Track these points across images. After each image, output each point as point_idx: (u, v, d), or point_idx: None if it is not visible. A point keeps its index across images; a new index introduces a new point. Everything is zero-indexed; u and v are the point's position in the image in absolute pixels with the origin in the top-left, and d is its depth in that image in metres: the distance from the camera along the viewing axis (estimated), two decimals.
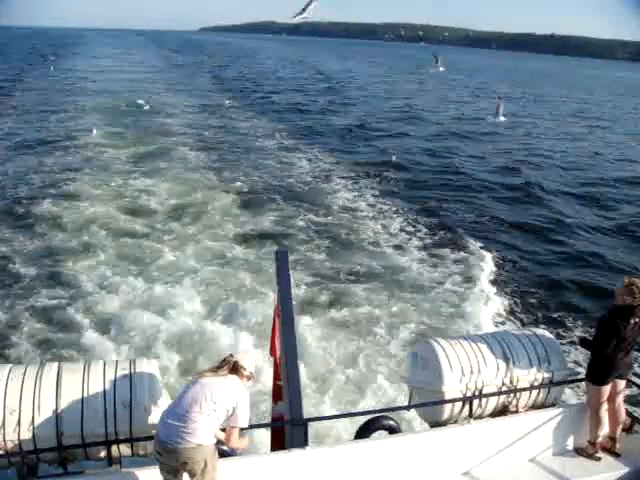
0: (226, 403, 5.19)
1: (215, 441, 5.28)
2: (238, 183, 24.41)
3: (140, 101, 31.28)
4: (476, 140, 38.36)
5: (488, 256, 18.08)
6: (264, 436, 6.88)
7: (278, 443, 6.47)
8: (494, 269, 17.36)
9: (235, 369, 5.35)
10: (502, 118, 45.85)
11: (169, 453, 5.11)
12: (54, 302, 14.05)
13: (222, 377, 5.29)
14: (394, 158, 29.83)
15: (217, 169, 26.35)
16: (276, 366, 6.81)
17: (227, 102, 43.94)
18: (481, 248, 18.77)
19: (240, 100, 46.84)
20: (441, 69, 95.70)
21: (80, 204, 20.81)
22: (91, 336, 12.44)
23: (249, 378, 5.47)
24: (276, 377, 6.82)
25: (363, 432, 6.85)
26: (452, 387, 6.52)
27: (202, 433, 5.11)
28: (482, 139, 39.02)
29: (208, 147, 30.73)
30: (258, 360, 8.79)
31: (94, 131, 31.06)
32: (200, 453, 5.12)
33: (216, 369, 5.36)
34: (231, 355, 5.46)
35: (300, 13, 69.40)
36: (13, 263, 16.10)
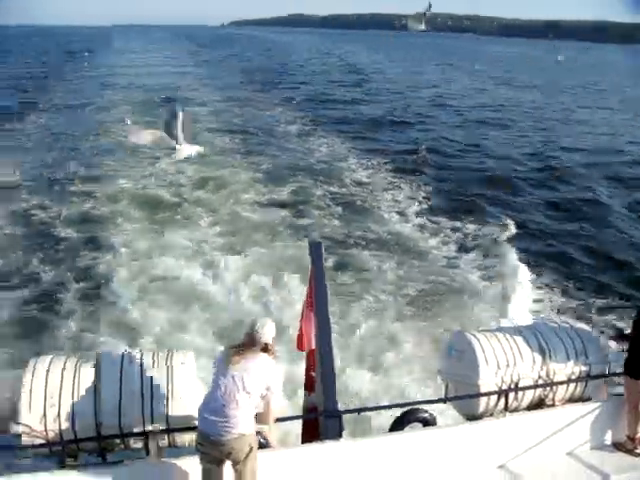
0: (260, 387, 5.20)
1: (256, 427, 5.33)
2: (263, 165, 24.49)
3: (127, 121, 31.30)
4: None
5: (522, 242, 17.80)
6: (295, 427, 6.90)
7: (310, 435, 6.49)
8: (528, 256, 17.09)
9: (264, 349, 5.29)
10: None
11: (213, 444, 5.18)
12: (91, 290, 14.44)
13: (251, 361, 5.22)
14: (423, 148, 29.50)
15: (243, 152, 26.35)
16: (309, 357, 6.83)
17: (253, 93, 43.37)
18: (517, 234, 18.48)
19: (269, 91, 46.68)
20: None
21: (115, 182, 21.27)
22: (128, 326, 12.68)
23: (274, 354, 5.39)
24: (309, 368, 6.84)
25: (398, 424, 6.84)
26: (488, 380, 6.46)
27: (243, 423, 5.16)
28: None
29: (234, 132, 30.77)
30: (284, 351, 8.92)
31: (127, 120, 31.37)
32: (244, 441, 5.20)
33: (242, 350, 5.26)
34: (253, 330, 5.31)
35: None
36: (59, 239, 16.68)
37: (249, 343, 5.28)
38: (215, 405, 5.17)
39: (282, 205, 20.23)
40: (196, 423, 5.36)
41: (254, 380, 5.18)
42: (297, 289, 13.45)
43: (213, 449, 5.22)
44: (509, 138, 32.94)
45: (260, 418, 5.35)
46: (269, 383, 5.24)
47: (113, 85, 47.86)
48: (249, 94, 43.91)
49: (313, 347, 6.67)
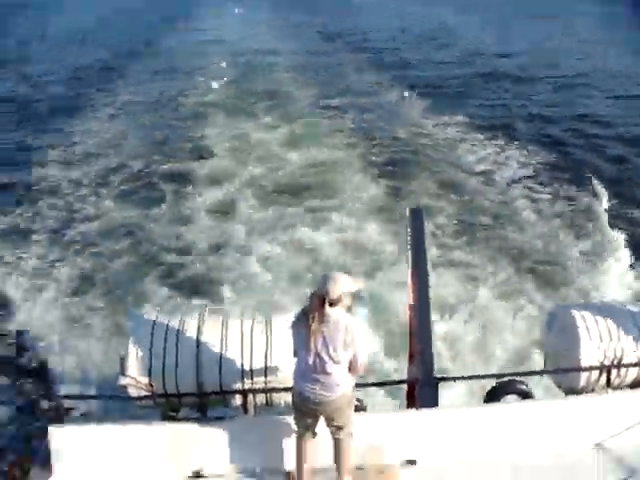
0: (344, 342, 5.09)
1: (354, 382, 5.38)
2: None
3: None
4: None
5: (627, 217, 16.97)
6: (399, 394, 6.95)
7: (412, 402, 6.53)
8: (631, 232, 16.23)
9: (332, 304, 5.08)
10: None
11: (308, 406, 5.28)
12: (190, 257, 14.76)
13: (328, 323, 5.07)
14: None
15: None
16: (411, 326, 6.82)
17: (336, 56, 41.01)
18: (622, 208, 17.62)
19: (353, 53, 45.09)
20: None
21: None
22: (227, 289, 12.96)
23: (349, 306, 5.22)
24: (412, 337, 6.84)
25: (493, 395, 6.76)
26: (590, 354, 6.26)
27: (341, 382, 5.21)
28: None
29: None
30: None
31: (214, 84, 31.48)
32: (344, 399, 5.28)
33: (315, 314, 5.08)
34: (322, 288, 5.09)
35: None
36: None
37: (319, 304, 5.07)
38: (307, 373, 5.20)
39: (381, 174, 19.92)
40: (292, 383, 5.46)
41: (336, 342, 5.08)
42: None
43: (308, 410, 5.32)
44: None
45: (351, 372, 5.31)
46: (350, 339, 5.10)
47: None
48: (332, 57, 42.89)
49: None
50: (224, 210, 17.24)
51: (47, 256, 15.16)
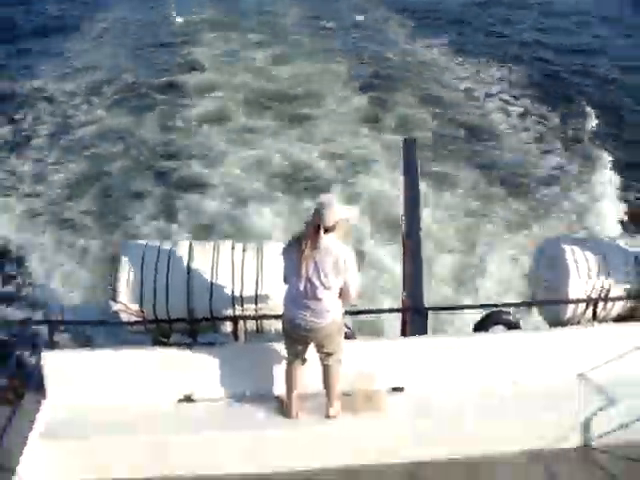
0: (336, 269, 5.08)
1: (343, 309, 5.40)
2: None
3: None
4: None
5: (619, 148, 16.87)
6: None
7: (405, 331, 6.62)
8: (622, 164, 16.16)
9: (327, 230, 5.04)
10: None
11: (298, 333, 5.30)
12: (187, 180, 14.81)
13: (320, 249, 5.04)
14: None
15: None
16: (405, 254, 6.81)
17: None
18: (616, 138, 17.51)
19: None
20: None
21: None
22: (219, 217, 13.03)
23: (342, 230, 5.16)
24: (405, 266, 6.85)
25: (482, 325, 6.86)
26: (577, 287, 6.31)
27: (331, 309, 5.22)
28: None
29: None
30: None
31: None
32: (334, 326, 5.30)
33: (308, 240, 5.05)
34: (317, 214, 5.05)
35: None
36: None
37: (313, 231, 5.04)
38: (297, 299, 5.21)
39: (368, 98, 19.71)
40: (283, 310, 5.47)
41: (328, 269, 5.07)
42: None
43: (299, 337, 5.36)
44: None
45: (342, 300, 5.31)
46: (342, 265, 5.09)
47: None
48: None
49: None
50: (213, 118, 17.63)
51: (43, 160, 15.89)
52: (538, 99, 19.59)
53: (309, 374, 5.58)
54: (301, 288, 5.16)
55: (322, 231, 5.03)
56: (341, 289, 5.22)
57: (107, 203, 13.99)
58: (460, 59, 23.37)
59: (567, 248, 6.48)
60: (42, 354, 5.68)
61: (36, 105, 19.01)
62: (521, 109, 19.03)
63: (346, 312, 5.58)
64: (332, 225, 5.06)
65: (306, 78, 20.68)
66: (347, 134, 16.89)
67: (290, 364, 5.57)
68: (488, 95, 20.21)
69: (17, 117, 18.42)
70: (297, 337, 5.37)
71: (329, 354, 5.43)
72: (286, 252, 5.32)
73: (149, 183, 14.62)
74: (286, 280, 5.34)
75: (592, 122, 17.92)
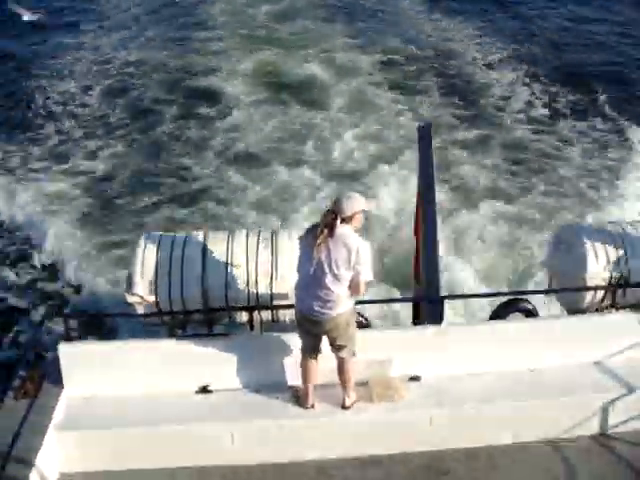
0: (347, 263, 5.08)
1: (353, 302, 5.36)
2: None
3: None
4: None
5: None
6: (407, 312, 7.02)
7: (418, 320, 6.58)
8: None
9: (344, 220, 5.08)
10: None
11: (314, 323, 5.27)
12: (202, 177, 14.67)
13: (335, 239, 5.05)
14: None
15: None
16: (417, 244, 6.78)
17: None
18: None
19: None
20: None
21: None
22: (236, 207, 13.04)
23: (359, 222, 5.19)
24: (417, 256, 6.82)
25: (499, 313, 6.81)
26: (595, 274, 6.25)
27: (340, 300, 5.18)
28: None
29: None
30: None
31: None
32: (343, 318, 5.26)
33: (323, 229, 5.06)
34: (335, 205, 5.10)
35: None
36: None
37: (331, 219, 5.06)
38: (309, 285, 5.19)
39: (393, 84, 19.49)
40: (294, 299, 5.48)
41: (340, 259, 5.06)
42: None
43: (310, 327, 5.34)
44: None
45: (351, 292, 5.26)
46: (355, 256, 5.07)
47: None
48: None
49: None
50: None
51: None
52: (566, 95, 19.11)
53: (324, 365, 5.57)
54: (311, 275, 5.15)
55: (339, 220, 5.04)
56: (351, 281, 5.17)
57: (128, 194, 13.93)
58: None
59: (584, 234, 6.41)
60: (59, 346, 5.71)
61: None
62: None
63: (361, 302, 5.56)
64: (350, 215, 5.08)
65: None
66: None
67: (305, 354, 5.55)
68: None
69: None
70: (307, 327, 5.36)
71: (341, 347, 5.40)
72: (302, 239, 5.34)
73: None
74: (298, 269, 5.33)
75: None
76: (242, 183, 13.91)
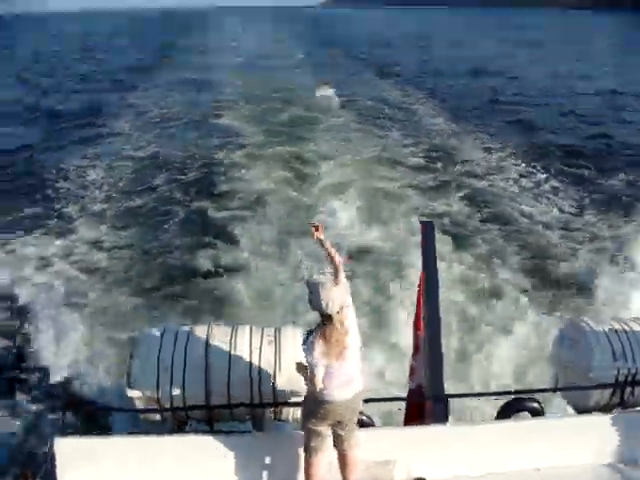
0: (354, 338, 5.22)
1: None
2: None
3: None
4: None
5: None
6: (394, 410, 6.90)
7: (413, 418, 6.44)
8: None
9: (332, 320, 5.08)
10: None
11: (338, 406, 5.24)
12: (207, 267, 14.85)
13: (336, 354, 5.11)
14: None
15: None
16: (417, 340, 6.74)
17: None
18: None
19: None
20: None
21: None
22: (239, 301, 13.03)
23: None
24: (416, 352, 6.76)
25: (505, 412, 6.69)
26: (602, 371, 6.19)
27: (359, 377, 5.30)
28: None
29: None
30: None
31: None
32: (360, 398, 5.36)
33: (328, 330, 5.09)
34: (324, 311, 5.05)
35: None
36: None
37: (329, 330, 5.08)
38: (331, 377, 5.16)
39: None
40: (301, 399, 5.44)
41: (345, 342, 5.12)
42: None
43: (334, 412, 5.26)
44: None
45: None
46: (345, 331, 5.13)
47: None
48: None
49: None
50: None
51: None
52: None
53: (328, 464, 5.45)
54: (333, 368, 5.14)
55: (334, 325, 5.08)
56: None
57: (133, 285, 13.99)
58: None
59: (590, 330, 6.37)
60: (54, 441, 5.57)
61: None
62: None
63: (365, 400, 5.48)
64: (337, 312, 5.08)
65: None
66: None
67: (309, 454, 5.44)
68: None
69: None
70: (330, 412, 5.25)
71: (345, 440, 5.34)
72: (309, 346, 5.18)
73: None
74: (312, 367, 5.17)
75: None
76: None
